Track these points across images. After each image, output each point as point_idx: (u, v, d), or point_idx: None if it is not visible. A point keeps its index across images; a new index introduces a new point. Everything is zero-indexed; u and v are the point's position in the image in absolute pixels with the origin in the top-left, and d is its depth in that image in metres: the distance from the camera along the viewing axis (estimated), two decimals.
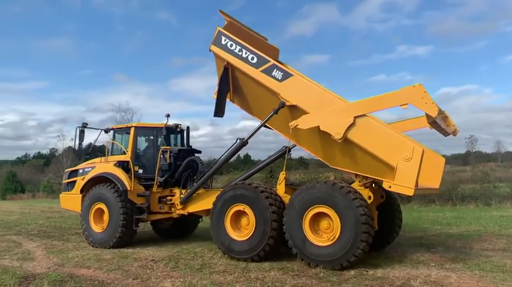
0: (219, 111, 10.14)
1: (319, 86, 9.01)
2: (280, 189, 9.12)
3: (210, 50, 9.77)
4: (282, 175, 9.18)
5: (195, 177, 10.94)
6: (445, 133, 9.12)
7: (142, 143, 12.16)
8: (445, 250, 9.89)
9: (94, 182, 11.49)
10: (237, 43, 9.39)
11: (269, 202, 8.72)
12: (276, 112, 8.88)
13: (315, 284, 7.12)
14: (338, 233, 7.92)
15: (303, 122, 8.46)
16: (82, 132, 11.75)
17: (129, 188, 10.86)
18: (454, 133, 9.12)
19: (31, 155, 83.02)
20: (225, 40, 9.49)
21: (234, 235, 9.14)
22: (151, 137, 11.99)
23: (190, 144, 12.44)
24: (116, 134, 12.22)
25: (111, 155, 11.92)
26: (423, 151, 7.53)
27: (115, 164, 11.38)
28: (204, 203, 10.49)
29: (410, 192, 7.47)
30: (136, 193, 11.08)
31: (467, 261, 8.54)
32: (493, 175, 27.11)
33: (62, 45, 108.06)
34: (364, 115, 8.01)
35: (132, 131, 11.63)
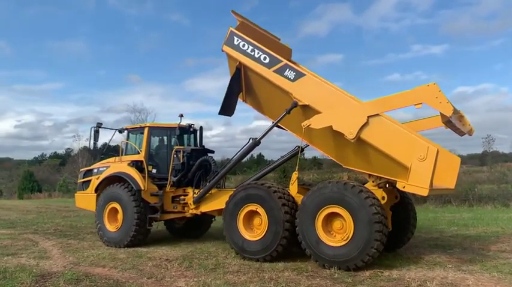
0: (227, 110, 10.05)
1: (332, 85, 8.96)
2: (293, 189, 9.08)
3: (222, 51, 9.78)
4: (294, 175, 9.13)
5: (207, 177, 10.96)
6: (461, 133, 9.00)
7: (156, 143, 12.22)
8: (462, 251, 9.74)
9: (108, 181, 11.58)
10: (249, 43, 9.39)
11: (282, 202, 8.68)
12: (288, 112, 8.85)
13: (330, 285, 7.06)
14: (351, 233, 7.86)
15: (316, 122, 8.41)
16: (97, 133, 11.83)
17: (143, 188, 10.93)
18: (470, 133, 9.01)
19: (47, 155, 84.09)
20: (237, 40, 9.50)
21: (247, 234, 9.14)
22: (165, 137, 12.06)
23: (203, 144, 12.49)
24: (130, 134, 12.30)
25: (125, 155, 12.00)
26: (438, 151, 7.41)
27: (129, 164, 11.46)
28: (217, 202, 10.48)
29: (424, 192, 7.38)
30: (150, 193, 11.13)
31: (485, 263, 8.39)
32: (511, 175, 26.61)
33: (77, 47, 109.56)
34: (377, 115, 7.92)
35: (146, 131, 11.70)
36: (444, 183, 7.75)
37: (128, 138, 12.25)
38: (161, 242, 11.72)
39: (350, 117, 8.01)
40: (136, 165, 11.44)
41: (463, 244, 10.70)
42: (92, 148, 12.12)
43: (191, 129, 12.28)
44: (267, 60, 9.11)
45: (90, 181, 12.18)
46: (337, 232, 8.17)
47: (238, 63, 9.52)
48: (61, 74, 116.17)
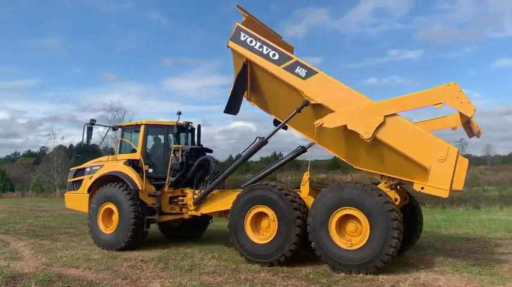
0: (232, 108, 9.68)
1: (344, 84, 8.60)
2: (304, 190, 8.80)
3: (228, 46, 9.41)
4: (306, 176, 8.82)
5: (208, 177, 10.45)
6: (471, 134, 8.90)
7: (153, 141, 11.78)
8: (434, 252, 9.96)
9: (102, 181, 11.10)
10: (257, 39, 9.04)
11: (294, 206, 8.40)
12: (299, 111, 8.55)
13: (305, 286, 7.13)
14: (367, 238, 7.65)
15: (329, 121, 8.13)
16: (90, 130, 11.35)
17: (140, 188, 10.50)
18: (478, 135, 8.86)
19: (21, 154, 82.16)
20: (244, 36, 9.13)
21: (255, 237, 8.81)
22: (162, 135, 11.62)
23: (201, 143, 12.06)
24: (124, 132, 11.83)
25: (120, 153, 11.52)
26: (458, 152, 7.32)
27: (125, 163, 11.00)
28: (219, 204, 10.13)
29: (444, 194, 7.28)
30: (147, 193, 10.70)
31: (456, 264, 8.59)
32: (483, 178, 27.37)
33: (53, 44, 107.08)
34: (394, 114, 7.74)
35: (142, 128, 11.22)
36: (454, 184, 7.53)
37: (122, 136, 11.80)
38: None
39: (366, 117, 7.78)
40: (133, 164, 11.00)
41: (435, 245, 10.94)
42: (85, 143, 11.56)
43: (189, 128, 11.89)
44: (276, 57, 8.80)
45: (81, 180, 11.64)
46: (350, 234, 7.95)
47: (245, 59, 9.15)
48: (36, 71, 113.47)
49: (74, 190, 11.88)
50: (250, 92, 9.77)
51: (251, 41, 9.07)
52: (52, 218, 18.68)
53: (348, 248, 7.83)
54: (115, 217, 10.66)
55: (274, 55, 8.83)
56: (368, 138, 7.68)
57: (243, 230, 8.89)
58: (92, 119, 11.55)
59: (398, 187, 8.55)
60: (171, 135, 11.46)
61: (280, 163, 11.00)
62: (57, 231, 14.23)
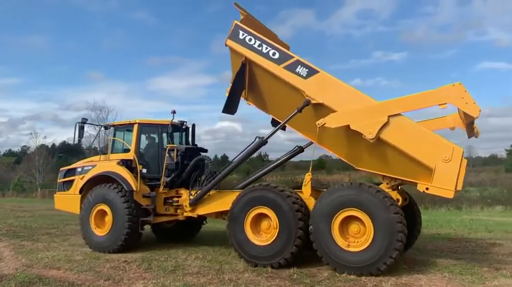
0: (230, 108, 9.52)
1: (346, 84, 8.54)
2: (306, 191, 8.58)
3: (226, 45, 9.21)
4: (307, 176, 8.62)
5: (204, 177, 10.29)
6: (471, 135, 8.92)
7: (146, 141, 11.46)
8: (416, 252, 10.06)
9: (95, 181, 10.78)
10: (256, 37, 8.86)
11: (296, 208, 8.26)
12: (299, 111, 8.43)
13: (288, 286, 7.16)
14: (370, 239, 7.58)
15: (331, 121, 8.01)
16: (82, 129, 11.07)
17: (135, 189, 10.21)
18: (476, 135, 8.90)
19: (1, 153, 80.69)
20: (243, 34, 8.93)
21: (254, 239, 8.64)
22: (156, 135, 11.33)
23: (196, 143, 11.87)
24: (117, 131, 11.50)
25: (111, 153, 11.22)
26: (463, 152, 7.32)
27: (118, 163, 10.71)
28: (216, 205, 9.93)
29: (450, 195, 7.25)
30: (141, 194, 10.42)
31: (437, 264, 8.70)
32: (464, 179, 27.72)
33: (39, 42, 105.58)
34: (399, 114, 7.68)
35: (135, 127, 10.94)
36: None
37: (114, 135, 11.47)
38: None
39: (369, 117, 7.68)
40: (126, 164, 10.72)
41: (417, 246, 11.03)
42: (76, 142, 11.24)
43: (183, 127, 11.65)
44: (277, 56, 8.64)
45: (72, 180, 11.30)
46: (352, 236, 7.88)
47: (243, 58, 8.95)
48: (19, 69, 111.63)
49: (64, 190, 11.54)
50: (248, 92, 9.59)
51: (250, 40, 8.90)
52: (33, 219, 18.38)
53: (350, 250, 7.75)
54: (108, 218, 10.39)
55: (274, 54, 8.69)
56: (371, 139, 7.59)
57: (242, 231, 8.72)
58: (83, 118, 11.22)
59: (399, 188, 8.53)
60: (165, 135, 11.22)
61: (277, 163, 10.76)
62: (38, 232, 13.99)
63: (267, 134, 9.27)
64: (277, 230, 8.38)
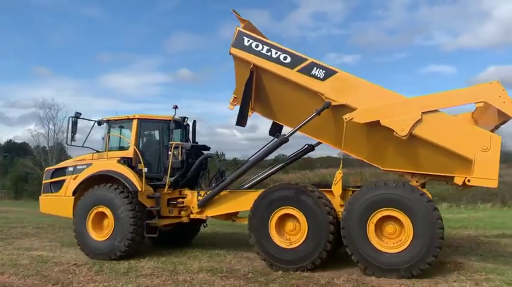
0: (243, 120, 8.99)
1: (369, 82, 8.24)
2: (337, 189, 8.09)
3: (230, 54, 8.71)
4: (338, 174, 8.09)
5: (214, 176, 9.83)
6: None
7: (146, 138, 10.75)
8: None
9: (90, 182, 9.94)
10: (263, 43, 8.45)
11: (327, 210, 7.91)
12: (318, 113, 8.07)
13: (243, 285, 7.17)
14: (410, 239, 7.35)
15: (360, 116, 7.70)
16: (75, 124, 10.16)
17: (140, 189, 9.44)
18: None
19: None
20: (249, 41, 8.50)
21: (279, 241, 8.23)
22: (157, 131, 10.60)
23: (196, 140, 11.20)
24: (111, 127, 10.61)
25: (105, 150, 10.35)
26: (501, 139, 7.22)
27: (119, 161, 9.91)
28: (229, 205, 9.42)
29: (494, 184, 7.09)
30: (146, 195, 9.68)
31: None
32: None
33: None
34: (433, 111, 7.49)
35: (134, 123, 10.15)
36: None
37: (108, 131, 10.54)
38: (69, 246, 11.01)
39: (401, 113, 7.46)
40: (125, 163, 10.01)
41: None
42: (69, 142, 10.21)
43: (184, 123, 10.98)
44: (288, 60, 8.25)
45: (62, 181, 10.36)
46: (388, 237, 7.61)
47: (251, 66, 8.49)
48: None
49: (52, 192, 10.55)
50: (255, 101, 9.05)
51: (257, 46, 8.48)
52: None
53: (388, 251, 7.49)
54: (109, 221, 9.55)
55: (285, 58, 8.30)
56: (404, 136, 7.38)
57: (266, 233, 8.26)
58: (76, 112, 10.23)
59: (425, 185, 8.40)
60: (166, 132, 10.49)
61: (287, 161, 10.33)
62: None
63: (288, 132, 8.67)
64: (306, 233, 8.00)
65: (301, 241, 8.04)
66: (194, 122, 11.18)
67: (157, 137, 10.62)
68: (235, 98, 9.25)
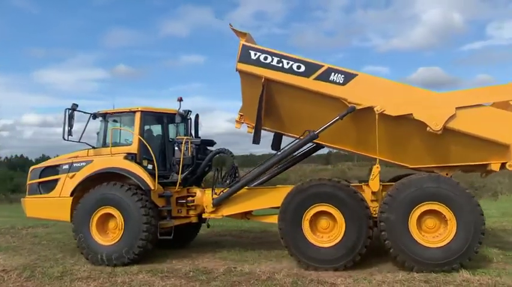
0: (259, 138, 8.66)
1: (394, 81, 8.19)
2: (374, 184, 7.88)
3: (237, 70, 8.32)
4: (376, 169, 7.90)
5: (226, 173, 9.41)
6: None
7: (149, 132, 9.97)
8: None
9: (88, 181, 9.12)
10: (272, 54, 8.12)
11: (365, 205, 7.78)
12: (341, 118, 7.86)
13: (184, 284, 7.12)
14: (453, 234, 7.32)
15: (392, 109, 7.58)
16: (71, 118, 9.14)
17: (152, 187, 8.78)
18: None
19: None
20: (256, 54, 8.16)
21: (314, 240, 7.91)
22: (161, 125, 9.94)
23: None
24: (109, 121, 9.74)
25: (101, 146, 9.60)
26: None
27: (126, 157, 9.15)
28: (249, 203, 8.94)
29: None
30: (157, 194, 9.07)
31: None
32: (350, 173, 29.97)
33: None
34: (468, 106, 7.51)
35: (137, 116, 9.38)
36: None
37: (105, 125, 9.70)
38: None
39: (434, 107, 7.45)
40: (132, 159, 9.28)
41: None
42: (66, 137, 9.14)
43: (188, 117, 10.35)
44: (303, 69, 7.97)
45: (55, 180, 9.43)
46: (427, 231, 7.55)
47: (263, 80, 8.08)
48: None
49: (41, 193, 9.58)
50: (264, 116, 8.57)
51: (265, 58, 8.14)
52: None
53: (431, 246, 7.42)
54: (117, 224, 8.80)
55: (299, 67, 8.01)
56: (438, 130, 7.38)
57: (300, 231, 7.91)
58: (73, 104, 9.21)
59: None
60: (171, 126, 9.96)
61: (296, 157, 9.70)
62: None
63: (319, 128, 8.13)
64: (344, 230, 7.76)
65: (339, 238, 7.78)
66: (197, 116, 10.60)
67: (160, 132, 9.97)
68: (241, 115, 8.95)
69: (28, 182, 9.88)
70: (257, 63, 8.15)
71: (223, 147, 9.62)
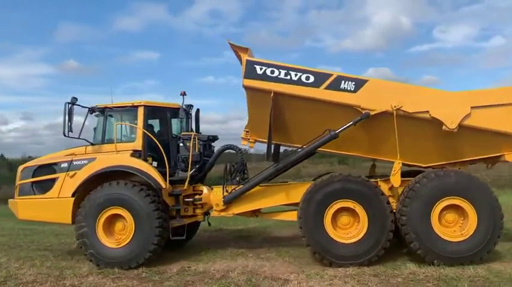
0: (271, 154, 8.61)
1: (403, 83, 8.28)
2: (396, 180, 7.85)
3: (244, 87, 8.03)
4: (397, 164, 7.87)
5: (236, 170, 9.05)
6: None
7: (152, 128, 9.50)
8: (262, 240, 10.72)
9: (96, 179, 8.57)
10: (278, 67, 7.94)
11: (387, 200, 7.81)
12: (354, 124, 7.82)
13: (136, 285, 6.99)
14: (474, 228, 7.50)
15: (409, 105, 7.63)
16: (71, 112, 8.63)
17: (164, 186, 8.40)
18: None
19: None
20: (261, 68, 7.94)
21: (337, 236, 7.83)
22: (164, 120, 9.49)
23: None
24: (108, 116, 9.21)
25: (104, 142, 9.09)
26: None
27: (133, 155, 8.68)
28: (262, 201, 8.74)
29: None
30: (168, 192, 8.71)
31: (279, 250, 9.34)
32: (305, 171, 30.42)
33: None
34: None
35: (140, 111, 8.95)
36: None
37: (105, 120, 9.16)
38: None
39: (451, 107, 7.58)
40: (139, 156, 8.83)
41: (263, 234, 11.79)
42: (67, 132, 8.61)
43: (190, 112, 9.98)
44: (312, 79, 7.85)
45: (52, 180, 8.79)
46: (447, 225, 7.69)
47: (272, 94, 7.85)
48: None
49: (35, 193, 8.92)
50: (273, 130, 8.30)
51: (272, 72, 7.94)
52: None
53: (453, 240, 7.55)
54: (125, 225, 8.34)
55: (308, 78, 7.89)
56: (453, 129, 7.53)
57: (322, 228, 7.80)
58: (73, 97, 8.71)
59: None
60: (175, 121, 9.54)
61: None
62: None
63: (339, 128, 7.95)
64: (367, 225, 7.73)
65: (362, 233, 7.76)
66: (198, 110, 10.24)
67: (164, 127, 9.53)
68: (247, 132, 8.68)
69: (19, 182, 9.14)
70: (264, 77, 7.95)
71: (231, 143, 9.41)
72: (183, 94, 9.48)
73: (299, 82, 7.90)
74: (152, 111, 9.23)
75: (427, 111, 7.62)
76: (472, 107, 7.60)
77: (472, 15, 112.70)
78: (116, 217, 8.41)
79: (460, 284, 6.39)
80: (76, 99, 8.79)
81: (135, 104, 9.06)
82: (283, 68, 7.97)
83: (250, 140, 8.72)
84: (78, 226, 8.35)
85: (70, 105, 8.66)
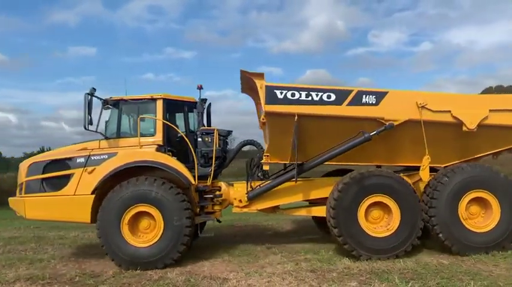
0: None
1: (421, 91, 8.47)
2: (425, 174, 8.12)
3: (266, 112, 7.88)
4: (426, 160, 8.07)
5: (255, 165, 8.99)
6: None
7: (172, 121, 9.03)
8: (202, 240, 10.59)
9: (115, 176, 8.02)
10: (298, 89, 7.87)
11: (418, 198, 8.05)
12: (378, 133, 7.94)
13: None
14: (497, 220, 7.93)
15: (433, 103, 7.96)
16: (90, 104, 8.19)
17: (193, 182, 8.18)
18: None
19: None
20: (282, 92, 7.85)
21: (370, 230, 7.89)
22: (181, 114, 9.20)
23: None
24: (123, 109, 8.78)
25: (118, 136, 8.67)
26: None
27: (158, 149, 8.33)
28: (285, 197, 8.72)
29: None
30: (194, 189, 8.45)
31: (219, 249, 9.33)
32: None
33: None
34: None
35: (159, 104, 8.64)
36: None
37: (120, 113, 8.73)
38: None
39: (470, 107, 8.02)
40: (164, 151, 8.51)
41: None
42: (87, 125, 8.16)
43: (204, 107, 9.58)
44: (333, 98, 7.89)
45: (67, 176, 8.20)
46: (471, 217, 8.04)
47: (295, 117, 7.76)
48: None
49: (46, 191, 8.23)
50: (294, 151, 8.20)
51: (293, 95, 7.87)
52: None
53: (479, 231, 7.94)
54: (152, 223, 7.95)
55: (329, 97, 7.91)
56: (472, 129, 7.95)
57: (356, 223, 7.82)
58: (92, 88, 8.29)
59: None
60: (192, 115, 9.31)
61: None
62: None
63: (374, 131, 7.96)
64: (399, 220, 7.87)
65: (395, 228, 7.88)
66: (209, 105, 9.93)
67: (182, 121, 9.27)
68: (267, 156, 8.52)
69: (25, 178, 8.41)
70: (286, 101, 7.91)
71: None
72: (200, 88, 9.35)
73: (321, 102, 7.95)
74: (171, 104, 9.00)
75: (449, 111, 8.02)
76: (490, 110, 8.10)
77: (403, 21, 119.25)
78: (141, 215, 8.03)
79: (390, 276, 6.68)
80: (95, 89, 8.39)
81: (154, 97, 8.78)
82: (304, 89, 7.96)
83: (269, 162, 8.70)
84: (99, 224, 7.92)
85: (89, 96, 8.26)
